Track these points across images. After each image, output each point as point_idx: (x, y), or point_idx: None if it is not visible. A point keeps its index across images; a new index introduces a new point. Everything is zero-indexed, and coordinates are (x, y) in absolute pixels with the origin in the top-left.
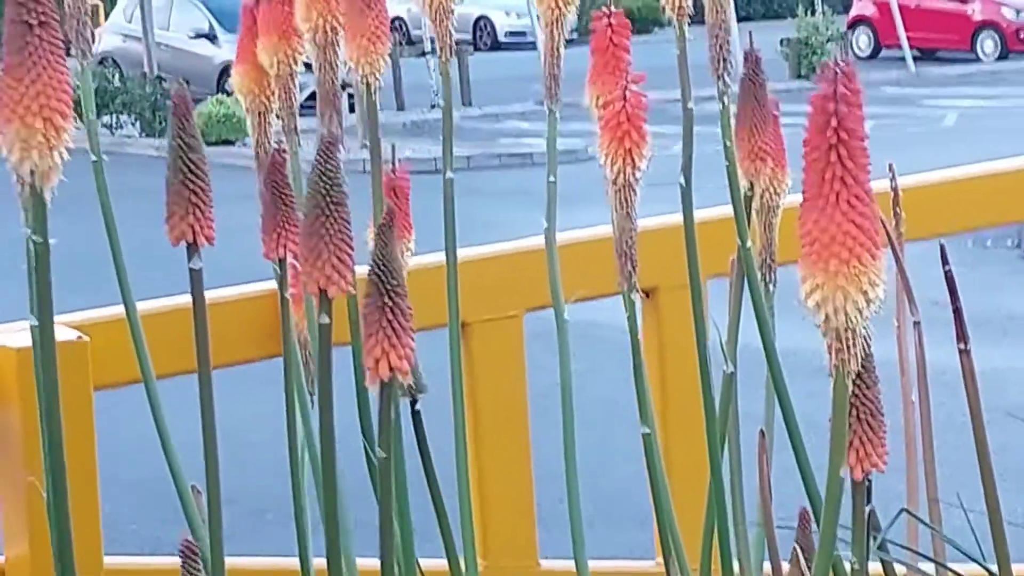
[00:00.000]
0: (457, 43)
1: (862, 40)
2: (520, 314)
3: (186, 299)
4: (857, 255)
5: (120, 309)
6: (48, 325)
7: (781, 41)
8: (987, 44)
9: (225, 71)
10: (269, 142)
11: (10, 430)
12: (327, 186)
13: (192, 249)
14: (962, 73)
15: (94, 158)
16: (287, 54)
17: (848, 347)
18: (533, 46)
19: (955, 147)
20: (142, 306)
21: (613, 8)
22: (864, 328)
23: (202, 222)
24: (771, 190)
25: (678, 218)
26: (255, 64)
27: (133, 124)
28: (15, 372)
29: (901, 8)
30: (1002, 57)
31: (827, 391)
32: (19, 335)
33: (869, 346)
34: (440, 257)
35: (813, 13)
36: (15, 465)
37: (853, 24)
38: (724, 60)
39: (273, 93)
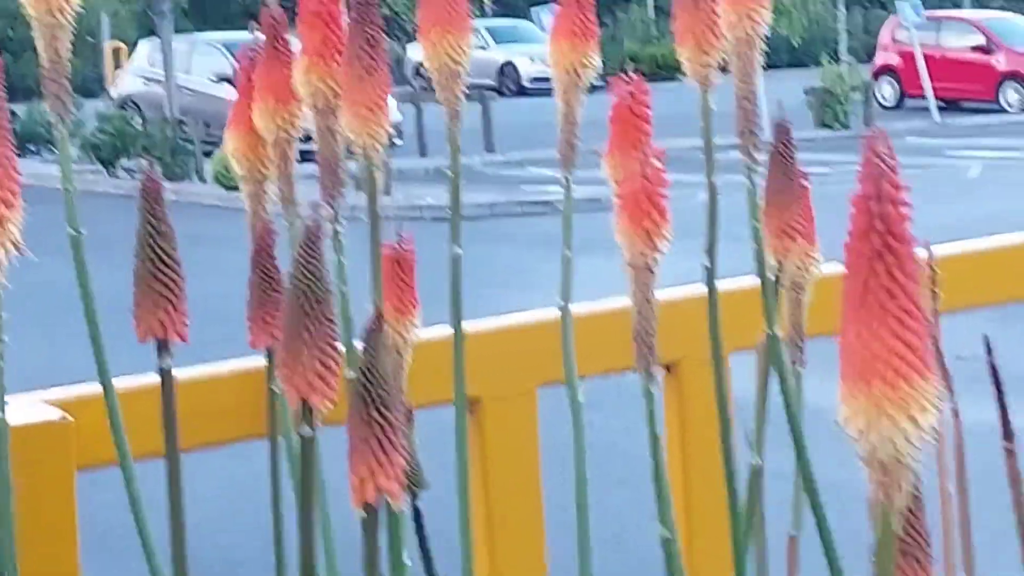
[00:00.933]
0: (482, 88)
1: (886, 90)
2: (534, 389)
3: (180, 374)
4: (905, 376)
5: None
6: None
7: (805, 90)
8: (1011, 95)
9: None
10: (265, 211)
11: None
12: (309, 282)
13: (163, 346)
14: (986, 123)
15: (71, 231)
16: (285, 119)
17: (896, 481)
18: None
19: (981, 199)
20: (130, 381)
21: (633, 68)
22: (913, 459)
23: (173, 317)
24: (800, 266)
25: (702, 288)
26: (250, 129)
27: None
28: None
29: (925, 58)
30: None
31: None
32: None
33: (918, 477)
34: (450, 330)
35: (838, 62)
36: None
37: (877, 74)
38: (752, 133)
39: (270, 160)
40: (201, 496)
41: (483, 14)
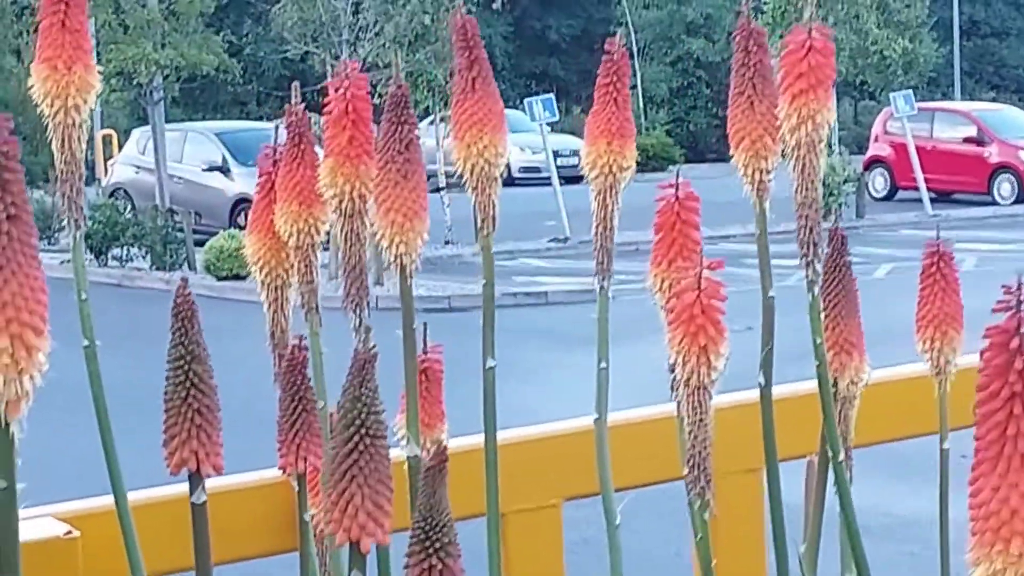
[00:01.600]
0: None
1: (878, 181)
2: (559, 503)
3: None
4: None
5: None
6: None
7: None
8: (1004, 187)
9: (237, 204)
10: (286, 320)
11: None
12: (363, 415)
13: (196, 479)
14: (980, 216)
15: (86, 343)
16: (308, 223)
17: None
18: (547, 182)
19: (977, 293)
20: (146, 494)
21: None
22: None
23: (208, 447)
24: (852, 381)
25: (732, 398)
26: (272, 233)
27: (144, 257)
28: None
29: (918, 149)
30: (1019, 200)
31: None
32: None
33: None
34: (470, 441)
35: (830, 154)
36: None
37: (869, 165)
38: (814, 245)
39: (292, 266)
40: None
41: None
